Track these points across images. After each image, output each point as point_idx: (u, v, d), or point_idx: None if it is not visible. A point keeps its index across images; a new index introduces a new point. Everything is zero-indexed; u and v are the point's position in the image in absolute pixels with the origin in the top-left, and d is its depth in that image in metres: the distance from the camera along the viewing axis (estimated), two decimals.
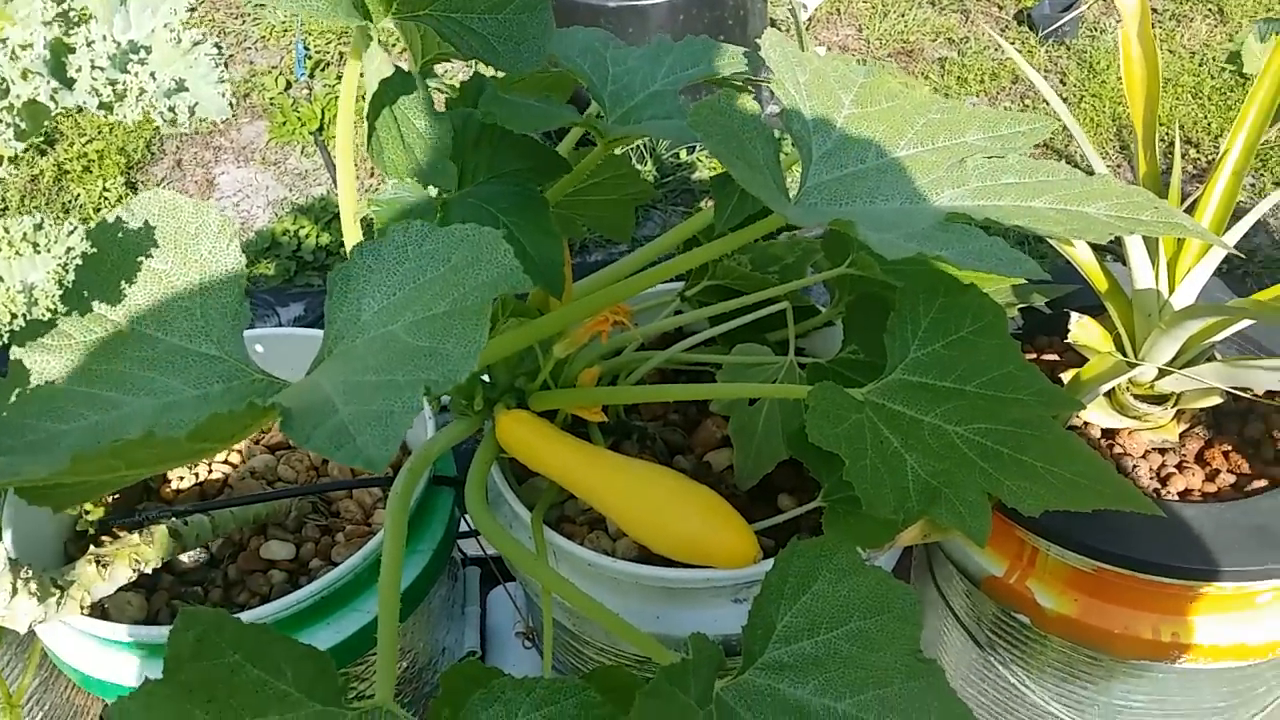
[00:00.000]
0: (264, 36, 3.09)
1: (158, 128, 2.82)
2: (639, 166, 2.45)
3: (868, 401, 0.74)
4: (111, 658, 0.90)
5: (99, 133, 2.76)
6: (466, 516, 1.17)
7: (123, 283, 0.65)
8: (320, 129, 2.73)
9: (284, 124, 2.74)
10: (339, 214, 2.68)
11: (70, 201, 2.57)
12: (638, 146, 2.48)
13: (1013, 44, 2.84)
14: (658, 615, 0.87)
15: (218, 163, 2.71)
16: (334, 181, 2.48)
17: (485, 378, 0.93)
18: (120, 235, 0.66)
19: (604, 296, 0.86)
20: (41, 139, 2.75)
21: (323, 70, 2.93)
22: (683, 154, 2.49)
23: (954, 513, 0.69)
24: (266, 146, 2.73)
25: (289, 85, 2.90)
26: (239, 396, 0.63)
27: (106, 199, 2.58)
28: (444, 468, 1.04)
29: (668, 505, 0.82)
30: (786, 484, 0.95)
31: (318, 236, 2.41)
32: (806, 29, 2.90)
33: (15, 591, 0.81)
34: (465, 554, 1.28)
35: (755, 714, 0.66)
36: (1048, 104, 0.93)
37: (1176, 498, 0.89)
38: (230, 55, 3.00)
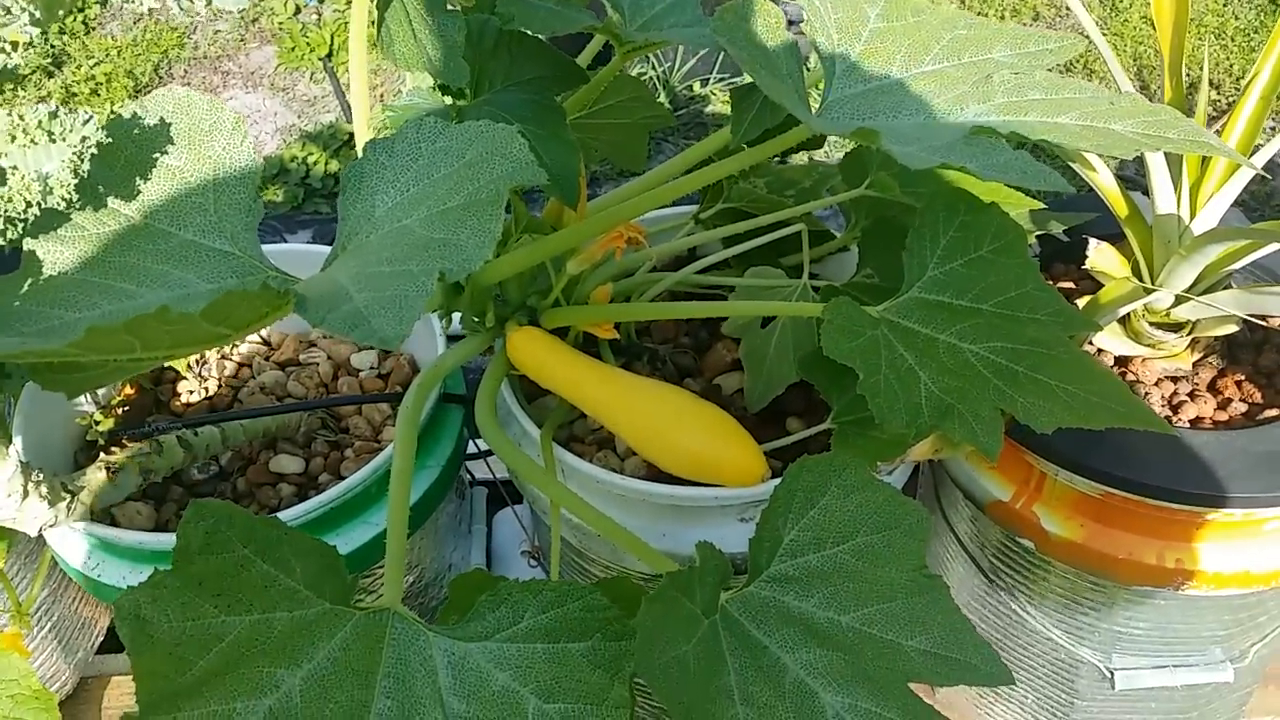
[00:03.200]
0: None
1: (165, 51, 2.79)
2: None
3: (883, 319, 0.74)
4: (120, 564, 0.90)
5: (106, 56, 2.74)
6: (476, 441, 1.18)
7: (137, 178, 0.64)
8: (329, 55, 2.70)
9: (293, 49, 2.71)
10: (348, 141, 2.65)
11: None
12: (651, 78, 2.45)
13: None
14: (664, 533, 0.87)
15: (226, 88, 2.69)
16: (343, 108, 2.46)
17: (497, 295, 0.92)
18: (135, 130, 0.65)
19: (618, 213, 0.85)
20: (49, 60, 2.72)
21: None
22: (696, 86, 2.47)
23: (966, 427, 0.69)
24: (275, 72, 2.70)
25: (298, 10, 2.86)
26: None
27: None
28: (454, 386, 1.04)
29: (677, 422, 0.82)
30: (796, 408, 0.95)
31: (326, 163, 2.39)
32: None
33: (26, 494, 0.81)
34: (474, 475, 1.29)
35: (760, 626, 0.67)
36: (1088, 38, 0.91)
37: (1187, 425, 0.89)
38: None
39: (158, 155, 0.65)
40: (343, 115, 2.48)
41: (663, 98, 2.42)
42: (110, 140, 0.58)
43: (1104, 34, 2.56)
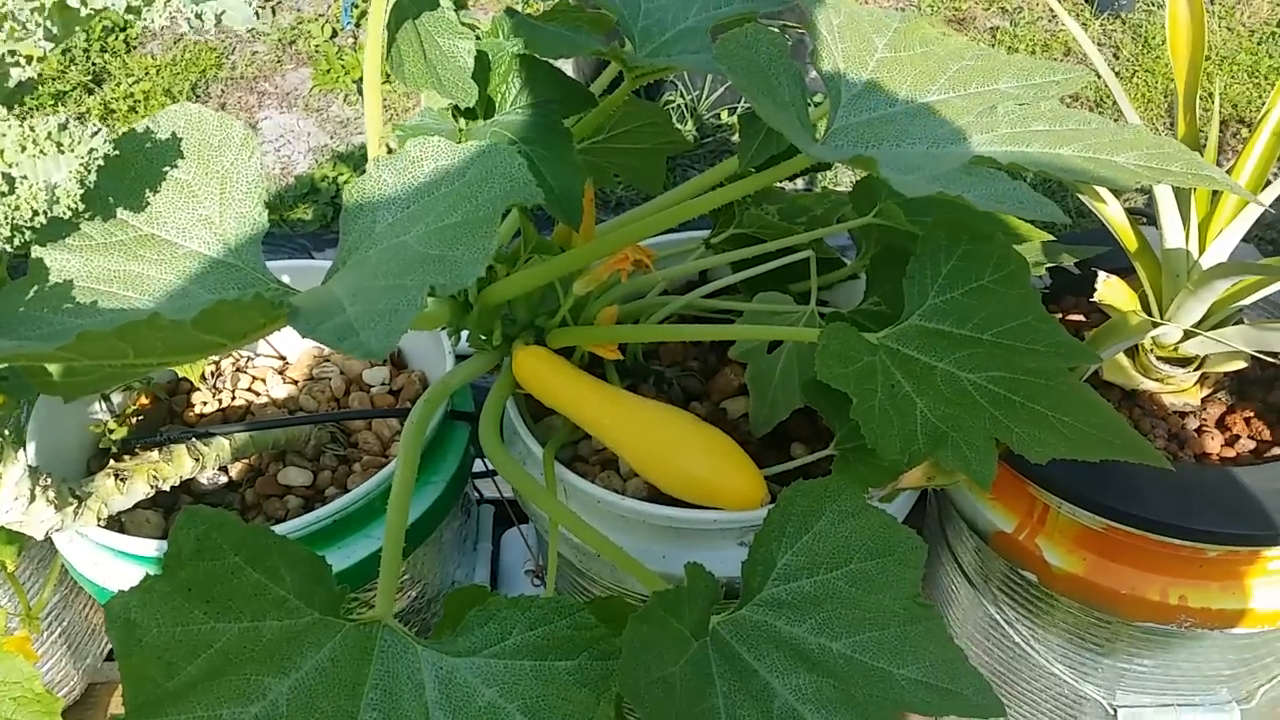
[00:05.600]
0: None
1: (203, 70, 2.84)
2: (679, 126, 2.43)
3: (881, 345, 0.74)
4: (128, 571, 0.92)
5: (145, 74, 2.79)
6: (484, 459, 1.18)
7: (146, 190, 0.66)
8: (363, 78, 2.73)
9: (328, 71, 2.76)
10: None
11: None
12: (679, 106, 2.46)
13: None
14: (664, 555, 0.87)
15: (261, 107, 2.73)
16: None
17: (505, 314, 0.93)
18: (147, 144, 0.67)
19: (625, 235, 0.86)
20: (90, 78, 2.78)
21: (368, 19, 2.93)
22: (724, 115, 2.48)
23: (960, 455, 0.69)
24: (310, 94, 2.75)
25: (334, 34, 2.91)
26: None
27: None
28: (462, 403, 1.05)
29: (678, 444, 0.82)
30: (801, 433, 0.95)
31: None
32: None
33: (34, 498, 0.83)
34: (481, 494, 1.30)
35: (750, 649, 0.67)
36: (1099, 75, 0.90)
37: (1194, 461, 0.88)
38: (278, 2, 3.02)
39: (167, 169, 0.66)
40: None
41: (690, 125, 2.44)
42: (119, 153, 0.60)
43: (1135, 70, 2.55)
